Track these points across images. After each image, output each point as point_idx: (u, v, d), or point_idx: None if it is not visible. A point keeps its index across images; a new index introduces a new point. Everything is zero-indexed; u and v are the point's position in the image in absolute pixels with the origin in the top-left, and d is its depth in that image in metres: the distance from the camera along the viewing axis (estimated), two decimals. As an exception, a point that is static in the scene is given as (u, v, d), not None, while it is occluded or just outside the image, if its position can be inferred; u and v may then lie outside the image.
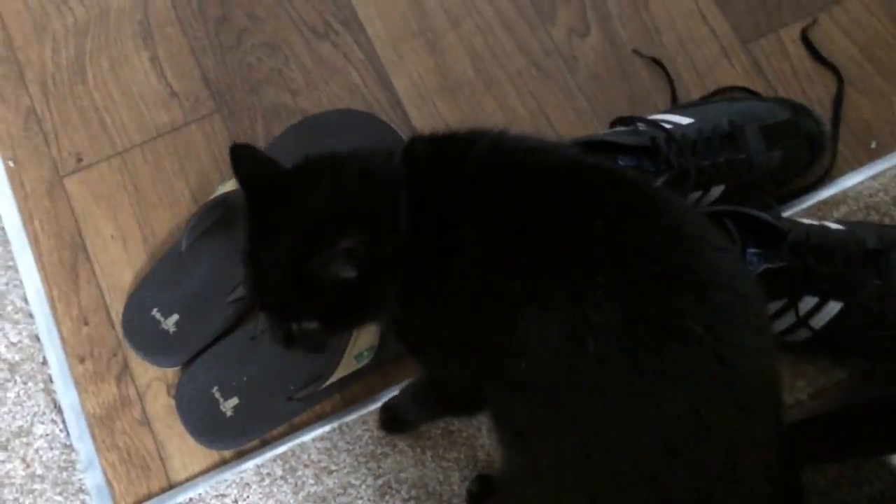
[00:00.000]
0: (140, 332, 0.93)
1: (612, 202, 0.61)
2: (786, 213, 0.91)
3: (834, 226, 0.85)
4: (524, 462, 0.68)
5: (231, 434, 0.89)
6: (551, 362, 0.58)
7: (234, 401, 0.89)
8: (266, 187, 0.65)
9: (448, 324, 0.66)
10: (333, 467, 0.87)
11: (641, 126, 0.89)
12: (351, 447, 0.88)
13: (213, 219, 0.95)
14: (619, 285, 0.57)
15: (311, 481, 0.87)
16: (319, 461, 0.88)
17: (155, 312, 0.93)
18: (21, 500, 0.88)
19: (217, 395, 0.90)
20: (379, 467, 0.87)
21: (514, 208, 0.62)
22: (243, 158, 0.66)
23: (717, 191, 0.88)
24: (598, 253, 0.58)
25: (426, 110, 1.01)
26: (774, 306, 0.81)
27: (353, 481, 0.87)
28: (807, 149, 0.92)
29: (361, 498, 0.86)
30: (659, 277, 0.57)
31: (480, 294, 0.62)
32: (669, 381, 0.56)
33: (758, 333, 0.60)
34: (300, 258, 0.61)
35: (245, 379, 0.90)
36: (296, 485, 0.87)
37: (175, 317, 0.93)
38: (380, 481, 0.87)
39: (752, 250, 0.82)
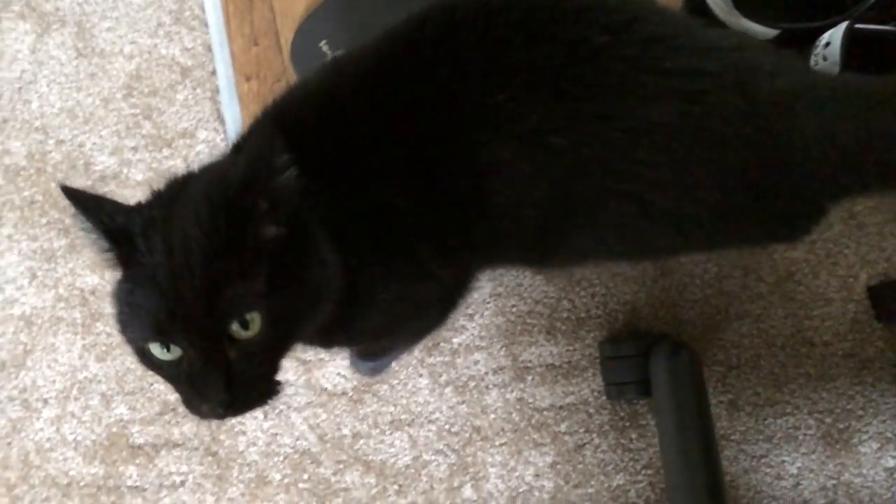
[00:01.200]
0: (306, 61, 0.94)
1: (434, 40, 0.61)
2: None
3: None
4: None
5: None
6: (549, 188, 0.58)
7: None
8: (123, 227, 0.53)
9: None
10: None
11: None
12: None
13: (392, -39, 0.93)
14: (519, 78, 0.56)
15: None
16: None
17: (322, 45, 0.94)
18: (180, 194, 0.95)
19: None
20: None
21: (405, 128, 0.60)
22: (89, 205, 0.52)
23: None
24: (475, 89, 0.58)
25: None
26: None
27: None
28: None
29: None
30: (531, 43, 0.57)
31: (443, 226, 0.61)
32: (626, 96, 0.55)
33: None
34: (223, 206, 0.50)
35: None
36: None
37: (341, 52, 0.93)
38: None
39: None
